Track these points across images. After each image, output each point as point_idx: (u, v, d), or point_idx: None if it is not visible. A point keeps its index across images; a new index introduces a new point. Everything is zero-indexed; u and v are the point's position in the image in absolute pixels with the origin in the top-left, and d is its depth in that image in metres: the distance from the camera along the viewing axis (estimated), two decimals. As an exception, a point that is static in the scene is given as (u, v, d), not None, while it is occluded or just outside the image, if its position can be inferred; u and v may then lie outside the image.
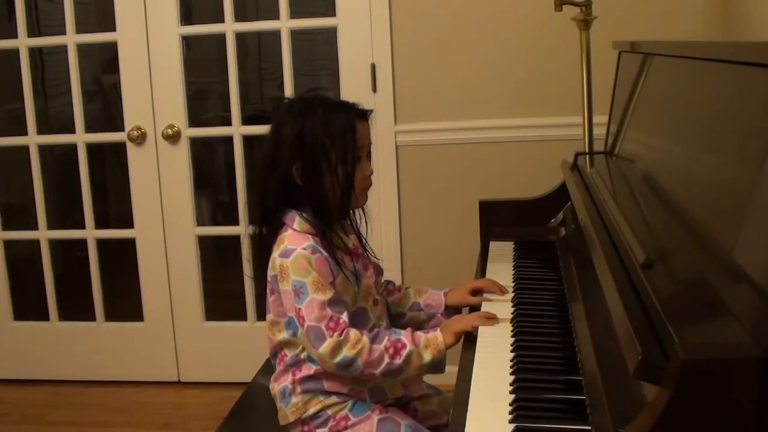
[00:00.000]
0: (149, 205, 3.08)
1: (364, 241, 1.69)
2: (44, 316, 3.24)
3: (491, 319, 1.51)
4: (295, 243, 1.52)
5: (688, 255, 1.07)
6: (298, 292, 1.49)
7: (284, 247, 1.52)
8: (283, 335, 1.58)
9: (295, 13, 2.92)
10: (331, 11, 2.89)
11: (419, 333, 1.52)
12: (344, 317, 1.48)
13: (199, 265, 3.10)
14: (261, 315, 3.04)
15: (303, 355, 1.57)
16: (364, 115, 1.60)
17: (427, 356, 1.49)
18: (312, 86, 4.02)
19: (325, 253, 1.51)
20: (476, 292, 1.70)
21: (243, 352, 3.00)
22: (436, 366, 1.50)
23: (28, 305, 3.29)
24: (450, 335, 1.50)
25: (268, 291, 1.58)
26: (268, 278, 1.56)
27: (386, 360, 1.47)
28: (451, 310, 1.72)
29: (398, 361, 1.48)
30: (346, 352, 1.46)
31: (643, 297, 1.00)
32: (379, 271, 1.74)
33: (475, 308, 1.64)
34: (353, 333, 1.47)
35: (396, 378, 1.54)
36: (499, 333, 1.45)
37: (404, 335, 1.50)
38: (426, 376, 1.98)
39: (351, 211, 1.68)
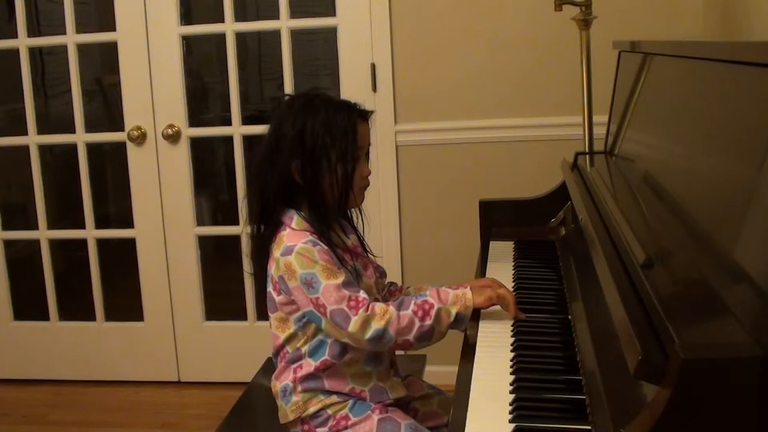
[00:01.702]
0: (149, 205, 3.08)
1: (363, 241, 1.69)
2: (44, 316, 3.24)
3: (516, 309, 1.51)
4: (295, 239, 1.52)
5: (688, 255, 1.07)
6: (311, 283, 1.48)
7: (285, 246, 1.52)
8: (290, 331, 1.57)
9: (295, 13, 2.92)
10: (331, 11, 2.89)
11: (446, 289, 1.52)
12: (362, 294, 1.49)
13: (199, 265, 3.10)
14: (261, 315, 3.06)
15: (304, 350, 1.57)
16: (365, 115, 1.60)
17: (453, 311, 1.48)
18: (312, 86, 4.02)
19: (325, 246, 1.52)
20: None
21: (243, 352, 3.00)
22: (460, 321, 1.49)
23: (28, 305, 3.29)
24: (480, 297, 1.50)
25: (273, 291, 1.57)
26: (275, 279, 1.56)
27: (417, 324, 1.47)
28: None
29: (428, 321, 1.47)
30: (376, 325, 1.46)
31: (643, 297, 1.00)
32: (381, 273, 1.75)
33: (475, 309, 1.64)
34: (378, 306, 1.48)
35: (431, 341, 1.52)
36: (499, 333, 1.45)
37: (429, 295, 1.50)
38: (426, 375, 1.99)
39: (349, 211, 1.68)
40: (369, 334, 1.46)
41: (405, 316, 1.47)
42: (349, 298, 1.47)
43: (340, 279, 1.48)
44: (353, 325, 1.46)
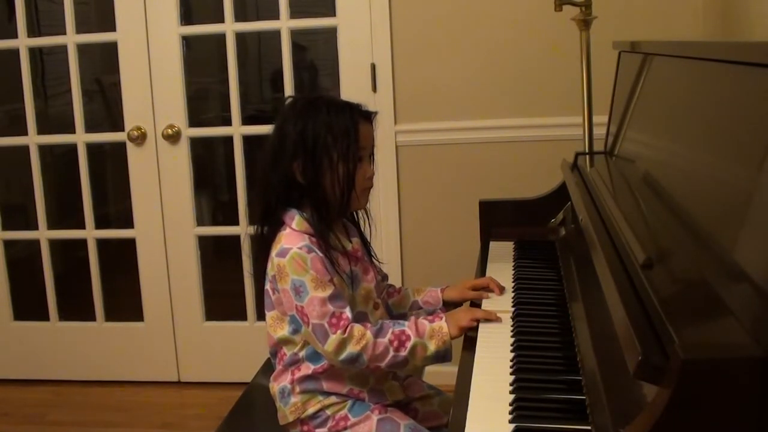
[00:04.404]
0: (149, 205, 3.08)
1: (368, 245, 1.69)
2: (44, 316, 3.24)
3: (492, 314, 1.51)
4: (291, 242, 1.52)
5: (688, 255, 1.07)
6: (299, 290, 1.49)
7: (281, 247, 1.53)
8: (284, 332, 1.58)
9: (295, 13, 2.92)
10: (331, 11, 2.89)
11: (424, 322, 1.52)
12: (347, 312, 1.49)
13: (199, 265, 3.10)
14: (261, 315, 3.05)
15: (302, 354, 1.58)
16: (368, 116, 1.60)
17: (432, 347, 1.49)
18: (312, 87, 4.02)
19: (321, 254, 1.52)
20: (475, 289, 1.70)
21: (243, 352, 3.00)
22: (442, 356, 1.50)
23: (28, 305, 3.29)
24: (455, 328, 1.50)
25: (269, 289, 1.58)
26: (269, 277, 1.57)
27: (391, 353, 1.48)
28: (450, 306, 1.72)
29: (403, 353, 1.48)
30: (351, 349, 1.47)
31: (643, 297, 1.00)
32: (383, 277, 1.75)
33: (474, 304, 1.65)
34: (357, 329, 1.48)
35: (403, 368, 1.55)
36: (499, 333, 1.45)
37: (408, 326, 1.51)
38: (426, 376, 1.99)
39: (354, 214, 1.68)
40: (343, 356, 1.47)
41: (381, 344, 1.48)
42: (332, 315, 1.48)
43: (328, 292, 1.49)
44: (329, 344, 1.47)
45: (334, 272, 1.53)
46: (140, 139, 3.02)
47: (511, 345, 1.38)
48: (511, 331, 1.45)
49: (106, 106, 3.83)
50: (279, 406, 1.62)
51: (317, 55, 4.02)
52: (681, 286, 1.02)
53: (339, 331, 1.47)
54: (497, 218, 2.06)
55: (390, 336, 1.49)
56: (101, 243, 3.20)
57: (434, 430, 1.67)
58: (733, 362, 0.76)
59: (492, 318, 1.50)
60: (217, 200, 4.03)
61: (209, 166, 4.05)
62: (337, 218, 1.62)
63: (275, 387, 1.62)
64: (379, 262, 1.73)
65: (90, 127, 3.17)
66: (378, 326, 1.50)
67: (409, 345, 1.48)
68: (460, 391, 1.23)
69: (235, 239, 3.01)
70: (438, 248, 2.88)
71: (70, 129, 3.12)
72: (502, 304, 1.58)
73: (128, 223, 3.14)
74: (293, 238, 1.53)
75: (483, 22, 2.76)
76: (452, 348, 1.51)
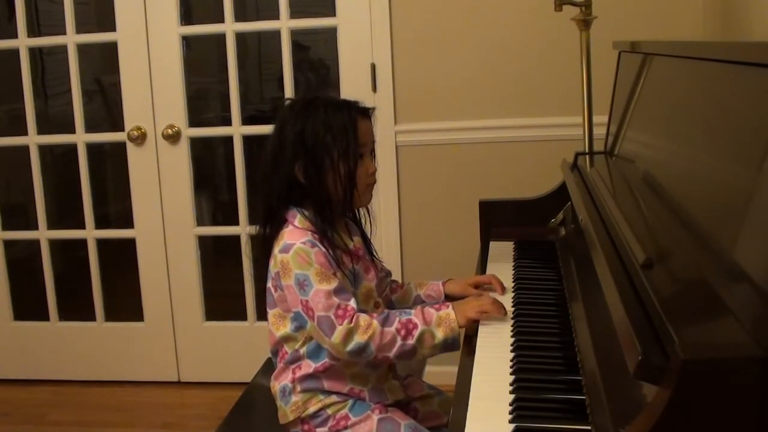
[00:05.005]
0: (149, 205, 3.08)
1: (369, 243, 1.69)
2: (44, 316, 3.24)
3: (501, 309, 1.50)
4: (294, 238, 1.52)
5: (688, 255, 1.07)
6: (303, 284, 1.49)
7: (284, 243, 1.53)
8: (286, 330, 1.58)
9: (295, 13, 2.92)
10: (331, 11, 2.89)
11: (430, 310, 1.51)
12: (352, 303, 1.49)
13: (199, 265, 3.10)
14: (261, 315, 3.06)
15: (303, 351, 1.58)
16: (365, 112, 1.60)
17: (440, 334, 1.48)
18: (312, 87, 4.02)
19: (323, 249, 1.52)
20: (477, 286, 1.71)
21: (243, 352, 3.00)
22: (450, 344, 1.49)
23: (28, 305, 3.29)
24: (462, 318, 1.50)
25: (272, 286, 1.58)
26: (272, 274, 1.57)
27: (399, 342, 1.47)
28: (452, 300, 1.72)
29: (411, 341, 1.47)
30: (358, 338, 1.46)
31: (643, 297, 1.00)
32: (386, 274, 1.75)
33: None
34: (363, 318, 1.48)
35: (411, 358, 1.53)
36: (499, 333, 1.45)
37: (415, 314, 1.50)
38: (426, 376, 1.99)
39: (357, 213, 1.68)
40: (350, 346, 1.47)
41: (388, 332, 1.47)
42: (337, 306, 1.48)
43: (333, 285, 1.49)
44: (336, 336, 1.47)
45: (337, 268, 1.53)
46: (140, 139, 3.02)
47: (511, 345, 1.38)
48: (511, 331, 1.45)
49: (106, 106, 3.83)
50: (279, 405, 1.62)
51: (317, 55, 4.02)
52: (681, 286, 1.02)
53: (345, 322, 1.46)
54: (497, 218, 2.06)
55: (397, 325, 1.48)
56: (101, 243, 3.20)
57: (434, 430, 1.67)
58: (733, 362, 0.76)
59: (499, 313, 1.50)
60: (217, 200, 4.04)
61: (209, 166, 4.05)
62: (340, 217, 1.62)
63: (276, 386, 1.62)
64: (380, 260, 1.73)
65: (90, 127, 3.17)
66: (384, 315, 1.50)
67: (416, 333, 1.47)
68: (460, 391, 1.23)
69: (235, 239, 3.01)
70: (438, 248, 2.88)
71: (70, 129, 3.12)
72: (501, 302, 1.58)
73: (128, 223, 3.14)
74: (296, 234, 1.53)
75: (483, 22, 2.76)
76: (459, 338, 1.49)
